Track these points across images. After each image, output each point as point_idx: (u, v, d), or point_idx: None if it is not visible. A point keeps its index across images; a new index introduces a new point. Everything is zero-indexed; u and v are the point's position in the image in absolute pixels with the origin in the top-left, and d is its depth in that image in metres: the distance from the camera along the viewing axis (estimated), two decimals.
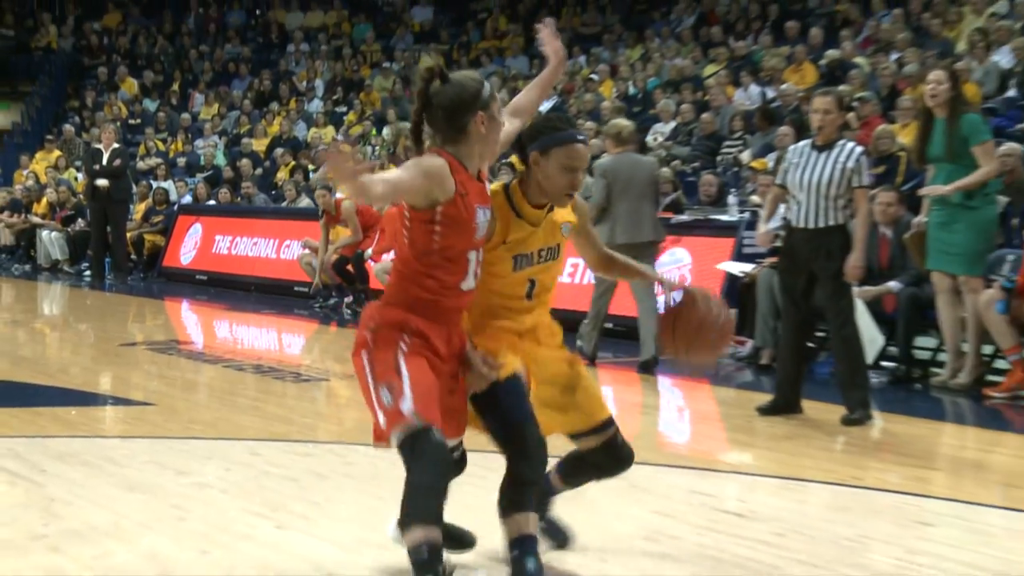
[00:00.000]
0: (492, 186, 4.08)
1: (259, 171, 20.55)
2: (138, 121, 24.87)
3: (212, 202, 19.29)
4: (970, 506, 5.66)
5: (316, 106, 23.49)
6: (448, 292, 3.87)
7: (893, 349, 9.49)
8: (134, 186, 20.11)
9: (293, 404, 8.57)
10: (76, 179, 21.88)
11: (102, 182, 18.01)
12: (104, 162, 18.10)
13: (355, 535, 4.96)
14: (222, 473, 6.12)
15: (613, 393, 9.29)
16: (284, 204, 18.12)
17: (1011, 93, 13.24)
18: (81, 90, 27.10)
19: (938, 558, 4.75)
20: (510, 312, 4.16)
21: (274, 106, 23.83)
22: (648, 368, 9.55)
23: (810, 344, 9.03)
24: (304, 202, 17.33)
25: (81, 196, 20.17)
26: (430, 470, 3.68)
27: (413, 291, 3.86)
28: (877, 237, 9.50)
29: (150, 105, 25.69)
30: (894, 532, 5.19)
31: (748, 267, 10.30)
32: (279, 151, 20.68)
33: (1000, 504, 5.84)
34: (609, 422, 4.34)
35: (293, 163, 20.07)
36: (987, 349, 8.91)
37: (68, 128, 24.71)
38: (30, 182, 22.60)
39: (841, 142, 7.65)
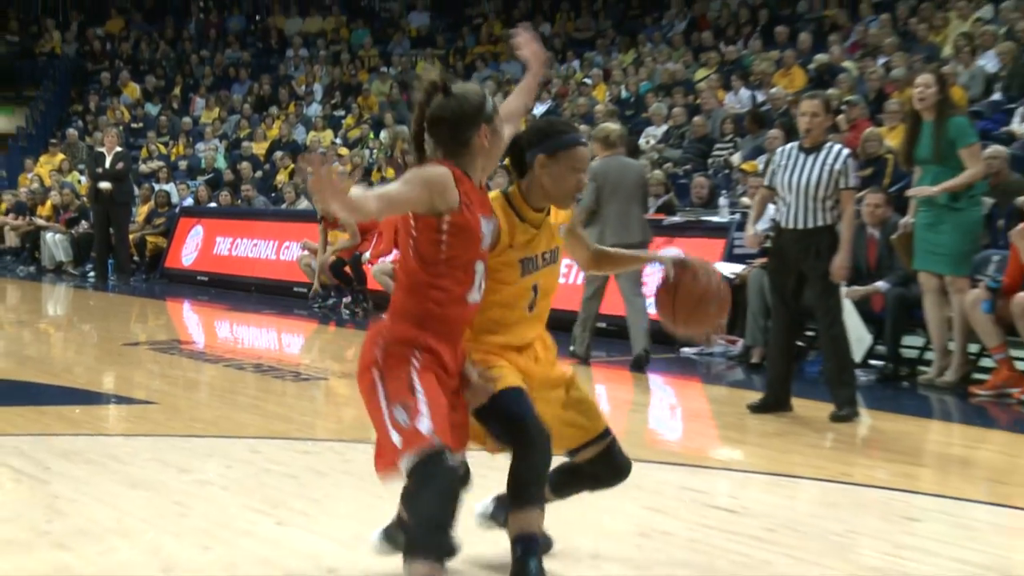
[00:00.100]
0: (491, 193, 4.02)
1: (259, 174, 20.54)
2: (140, 125, 24.85)
3: (213, 204, 19.28)
4: (956, 502, 5.66)
5: (315, 110, 23.48)
6: (455, 304, 3.77)
7: (881, 348, 9.49)
8: (136, 189, 20.09)
9: (293, 403, 8.56)
10: (80, 182, 21.85)
11: (105, 185, 17.99)
12: (107, 165, 18.09)
13: (353, 531, 4.95)
14: (223, 470, 6.12)
15: (606, 392, 9.30)
16: (283, 206, 18.11)
17: (996, 96, 13.26)
18: (84, 94, 27.08)
19: (925, 553, 4.76)
20: (510, 327, 4.08)
21: (273, 110, 23.81)
22: (640, 366, 9.55)
23: (799, 343, 9.04)
24: (303, 204, 17.31)
25: (85, 199, 20.14)
26: (440, 502, 3.53)
27: (421, 304, 3.75)
28: (865, 238, 9.51)
29: (152, 109, 25.67)
30: (882, 527, 5.19)
31: (739, 268, 10.30)
32: (279, 154, 20.68)
33: (986, 500, 5.86)
34: (606, 432, 4.26)
35: (292, 166, 20.04)
36: (973, 348, 8.91)
37: (72, 132, 24.68)
38: (35, 185, 22.59)
39: (828, 144, 7.66)
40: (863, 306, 9.39)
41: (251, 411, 8.10)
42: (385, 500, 5.21)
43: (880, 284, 9.32)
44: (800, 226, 7.59)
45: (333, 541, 4.84)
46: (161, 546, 4.74)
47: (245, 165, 20.38)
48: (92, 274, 18.99)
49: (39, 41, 29.29)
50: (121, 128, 22.36)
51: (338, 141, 21.30)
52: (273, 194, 19.34)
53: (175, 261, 18.64)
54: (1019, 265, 8.41)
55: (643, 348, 9.53)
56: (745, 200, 11.81)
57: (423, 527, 3.54)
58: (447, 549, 3.60)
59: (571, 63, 21.62)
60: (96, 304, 16.32)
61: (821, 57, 16.08)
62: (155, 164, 22.10)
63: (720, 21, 20.78)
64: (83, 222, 19.98)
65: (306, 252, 15.03)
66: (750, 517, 5.28)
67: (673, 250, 4.41)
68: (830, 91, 13.31)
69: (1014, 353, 8.50)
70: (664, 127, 16.29)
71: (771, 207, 8.30)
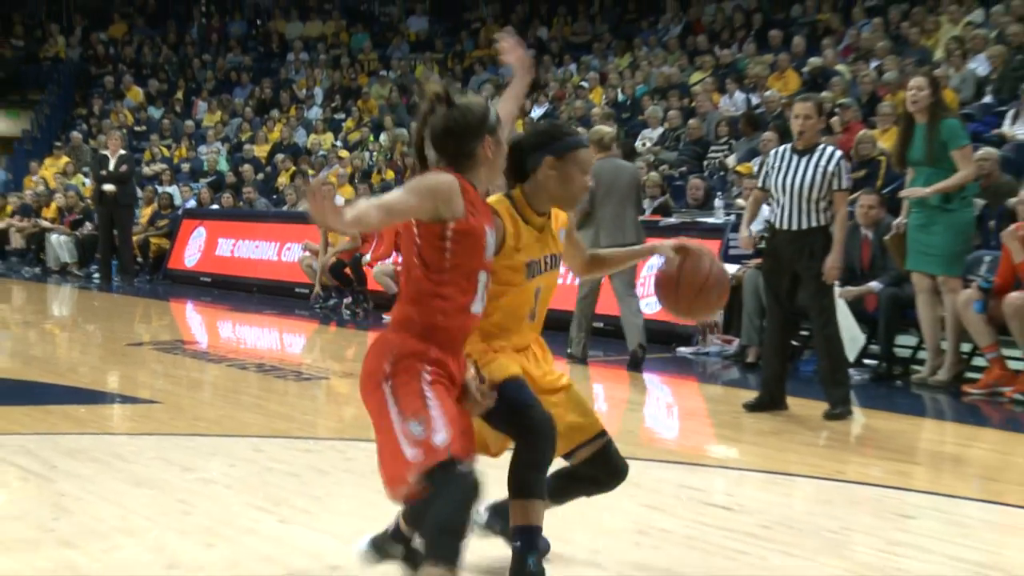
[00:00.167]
0: (492, 197, 3.97)
1: (260, 176, 20.54)
2: (143, 128, 24.84)
3: (215, 206, 19.26)
4: (949, 499, 5.67)
5: (315, 113, 23.48)
6: (458, 314, 3.70)
7: (875, 347, 9.50)
8: (140, 191, 20.08)
9: (294, 402, 8.56)
10: (84, 184, 21.84)
11: (109, 187, 17.98)
12: (111, 168, 18.08)
13: (355, 528, 4.93)
14: (226, 469, 6.11)
15: (604, 391, 9.30)
16: (285, 208, 18.12)
17: (987, 99, 13.26)
18: (88, 98, 27.06)
19: (918, 549, 4.76)
20: (512, 332, 4.05)
21: (275, 113, 23.82)
22: (636, 364, 9.54)
23: (794, 343, 9.04)
24: (304, 206, 17.27)
25: (89, 201, 20.14)
26: (455, 508, 3.47)
27: (425, 315, 3.67)
28: (859, 239, 9.51)
29: (155, 113, 25.66)
30: (876, 524, 5.20)
31: (734, 268, 10.30)
32: (280, 157, 20.70)
33: (978, 497, 5.85)
34: (602, 433, 4.19)
35: (293, 168, 20.06)
36: (965, 347, 8.92)
37: (76, 135, 24.66)
38: (40, 187, 22.59)
39: (821, 146, 7.66)
40: (857, 306, 9.39)
41: (254, 410, 8.10)
42: (385, 497, 5.22)
43: (873, 284, 9.32)
44: (794, 227, 7.59)
45: (335, 538, 4.83)
46: (165, 543, 4.74)
47: (247, 167, 20.40)
48: (96, 275, 18.99)
49: (44, 45, 29.27)
50: (124, 131, 22.38)
51: (338, 144, 21.30)
52: (274, 196, 19.35)
53: (178, 262, 18.63)
54: (1010, 265, 8.41)
55: (638, 344, 9.53)
56: (740, 201, 11.81)
57: (438, 533, 3.49)
58: (461, 556, 3.53)
59: (568, 66, 21.63)
60: (100, 305, 16.31)
61: (815, 61, 16.07)
62: (158, 167, 22.09)
63: (715, 25, 20.78)
64: (87, 224, 19.98)
65: (307, 253, 15.03)
66: (746, 514, 5.28)
67: (667, 242, 4.32)
68: (823, 94, 13.32)
69: (1006, 352, 8.50)
70: (660, 130, 16.30)
71: (765, 208, 8.32)
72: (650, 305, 11.02)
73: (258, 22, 29.73)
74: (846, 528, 5.10)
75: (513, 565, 3.95)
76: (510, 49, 4.37)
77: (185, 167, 22.31)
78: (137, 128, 24.78)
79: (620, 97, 18.70)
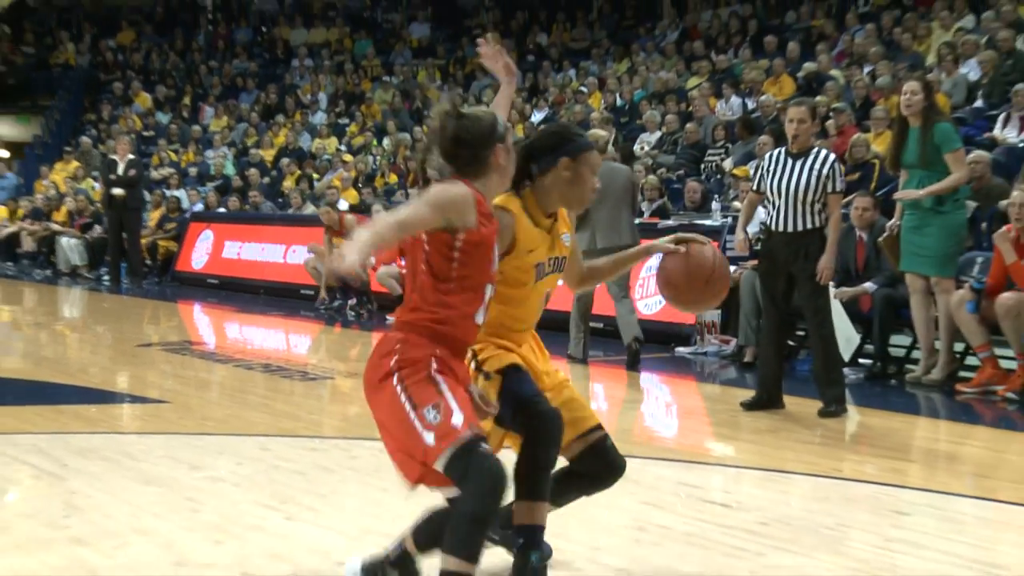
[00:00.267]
0: (500, 199, 3.90)
1: (266, 180, 20.53)
2: (152, 133, 24.85)
3: (222, 210, 19.26)
4: (943, 496, 5.66)
5: (320, 118, 23.48)
6: (463, 321, 3.65)
7: (869, 347, 9.49)
8: (148, 195, 20.08)
9: (300, 401, 8.55)
10: (93, 188, 21.84)
11: (118, 191, 17.97)
12: (120, 172, 18.06)
13: (360, 525, 4.95)
14: (234, 467, 6.10)
15: (604, 390, 9.30)
16: (290, 211, 18.11)
17: (978, 104, 13.26)
18: (97, 104, 27.07)
19: (913, 546, 4.75)
20: (514, 333, 4.01)
21: (280, 118, 23.82)
22: (634, 358, 9.53)
23: (790, 342, 9.03)
24: (309, 209, 17.31)
25: (98, 204, 20.13)
26: (483, 499, 3.41)
27: (430, 321, 3.62)
28: (854, 240, 9.50)
29: (163, 118, 25.67)
30: (871, 521, 5.19)
31: (731, 269, 10.29)
32: (285, 161, 20.70)
33: (972, 494, 5.84)
34: (597, 427, 4.13)
35: (298, 172, 20.06)
36: (958, 347, 8.92)
37: (85, 140, 24.66)
38: (50, 192, 22.60)
39: (815, 149, 7.66)
40: (852, 306, 9.38)
41: (260, 410, 8.09)
42: (390, 494, 5.23)
43: (868, 285, 9.31)
44: (789, 229, 7.59)
45: (340, 535, 4.83)
46: (174, 540, 4.74)
47: (253, 171, 20.40)
48: (106, 277, 18.98)
49: (54, 53, 29.29)
50: (133, 136, 22.36)
51: (342, 148, 21.31)
52: (280, 199, 19.34)
53: (186, 265, 18.64)
54: (1002, 266, 8.40)
55: (633, 338, 9.53)
56: (737, 204, 11.81)
57: (462, 523, 3.45)
58: (481, 550, 3.47)
59: (567, 72, 21.64)
60: (110, 306, 16.30)
61: (809, 66, 16.08)
62: (166, 171, 22.08)
63: (711, 31, 20.78)
64: (97, 227, 19.98)
65: (312, 255, 15.02)
66: (744, 511, 5.27)
67: (664, 240, 4.26)
68: (817, 98, 13.31)
69: (998, 352, 8.49)
70: (658, 134, 16.30)
71: (761, 210, 8.31)
72: (649, 306, 11.04)
73: (263, 29, 29.73)
74: (842, 524, 5.08)
75: (516, 562, 3.94)
76: (492, 57, 4.35)
77: (192, 171, 22.30)
78: (145, 133, 24.79)
79: (618, 102, 18.71)
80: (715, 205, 12.26)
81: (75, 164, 23.72)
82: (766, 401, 7.84)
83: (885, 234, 8.96)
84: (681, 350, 10.65)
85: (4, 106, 29.35)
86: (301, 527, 4.95)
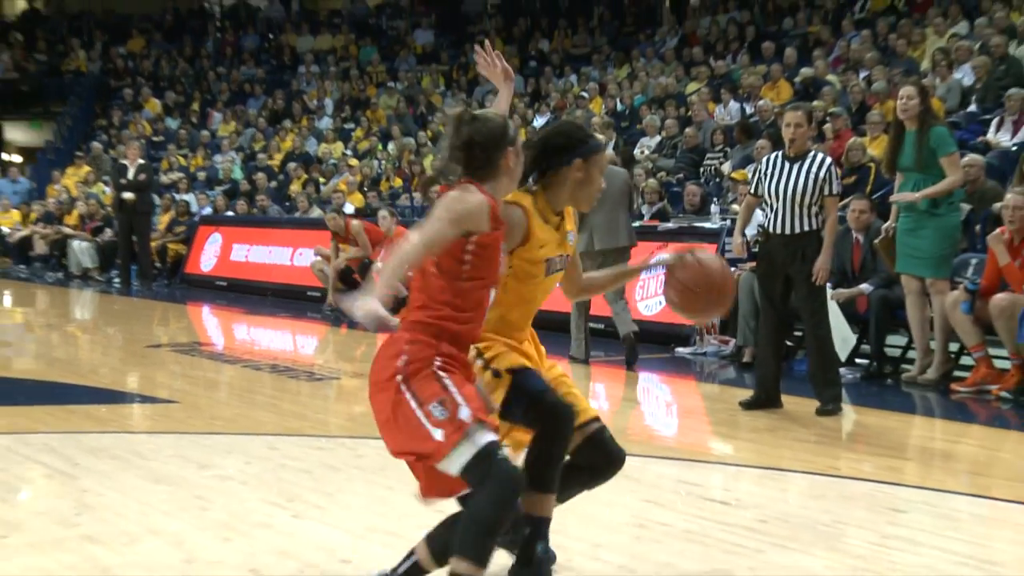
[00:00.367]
0: (511, 195, 3.87)
1: (273, 184, 20.55)
2: (161, 138, 24.86)
3: (230, 213, 19.27)
4: (939, 493, 5.66)
5: (326, 123, 23.48)
6: (470, 321, 3.64)
7: (866, 347, 9.48)
8: (158, 199, 20.08)
9: (307, 401, 8.55)
10: (104, 193, 21.85)
11: (128, 195, 17.99)
12: (130, 177, 18.08)
13: (365, 523, 4.94)
14: (242, 466, 6.10)
15: (605, 390, 9.29)
16: (297, 215, 18.11)
17: (972, 108, 13.25)
18: (108, 110, 27.08)
19: (909, 542, 4.74)
20: (514, 331, 4.00)
21: (287, 123, 23.82)
22: (632, 353, 9.53)
23: (788, 343, 9.02)
24: (316, 212, 17.31)
25: (109, 208, 20.13)
26: (496, 506, 3.39)
27: (437, 320, 3.60)
28: (850, 242, 9.49)
29: (172, 123, 25.68)
30: (868, 518, 5.18)
31: (730, 271, 10.28)
32: (292, 165, 20.70)
33: (966, 491, 5.83)
34: (595, 419, 4.10)
35: (305, 176, 20.06)
36: (953, 347, 8.90)
37: (96, 145, 24.68)
38: (62, 196, 22.61)
39: (812, 153, 7.66)
40: (848, 307, 9.37)
41: (268, 409, 8.09)
42: (395, 492, 5.23)
43: (864, 286, 9.30)
44: (787, 231, 7.58)
45: (346, 532, 4.82)
46: (184, 538, 4.73)
47: (260, 176, 20.41)
48: (116, 280, 18.99)
49: (65, 60, 29.31)
50: (143, 141, 22.39)
51: (348, 152, 21.30)
52: (287, 203, 19.34)
53: (195, 267, 18.64)
54: (996, 268, 8.39)
55: (629, 330, 9.53)
56: (735, 207, 11.80)
57: (473, 528, 3.43)
58: (491, 555, 3.46)
59: (568, 77, 21.64)
60: (120, 308, 16.31)
61: (806, 71, 16.08)
62: (175, 175, 22.09)
63: (710, 37, 20.78)
64: (108, 230, 19.98)
65: (319, 258, 15.02)
66: (743, 509, 5.26)
67: (662, 254, 4.22)
68: (814, 103, 13.31)
69: (992, 352, 8.49)
70: (657, 138, 16.30)
71: (759, 213, 8.30)
72: (649, 307, 11.03)
73: (270, 36, 29.73)
74: (839, 522, 5.08)
75: (521, 551, 3.92)
76: (488, 65, 4.34)
77: (201, 175, 22.30)
78: (155, 138, 24.79)
79: (619, 107, 18.71)
80: (714, 208, 12.26)
81: (86, 169, 23.73)
82: (764, 400, 7.83)
83: (881, 236, 8.96)
84: (681, 350, 10.65)
85: (17, 112, 29.42)
86: (308, 525, 4.94)
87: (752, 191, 7.94)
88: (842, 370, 8.38)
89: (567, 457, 4.09)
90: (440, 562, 3.68)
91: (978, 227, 9.53)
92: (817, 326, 7.70)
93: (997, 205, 9.09)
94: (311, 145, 22.16)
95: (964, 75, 13.90)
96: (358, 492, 5.54)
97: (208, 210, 19.95)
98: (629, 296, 10.40)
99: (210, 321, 15.27)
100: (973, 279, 8.72)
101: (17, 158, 29.55)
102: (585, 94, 19.61)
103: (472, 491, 3.45)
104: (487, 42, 4.50)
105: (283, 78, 27.03)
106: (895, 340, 9.51)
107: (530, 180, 4.01)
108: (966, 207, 9.34)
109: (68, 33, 30.29)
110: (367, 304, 3.29)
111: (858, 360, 9.53)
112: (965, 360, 8.91)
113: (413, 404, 3.49)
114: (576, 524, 4.71)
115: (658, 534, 4.83)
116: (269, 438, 6.84)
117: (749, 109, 15.97)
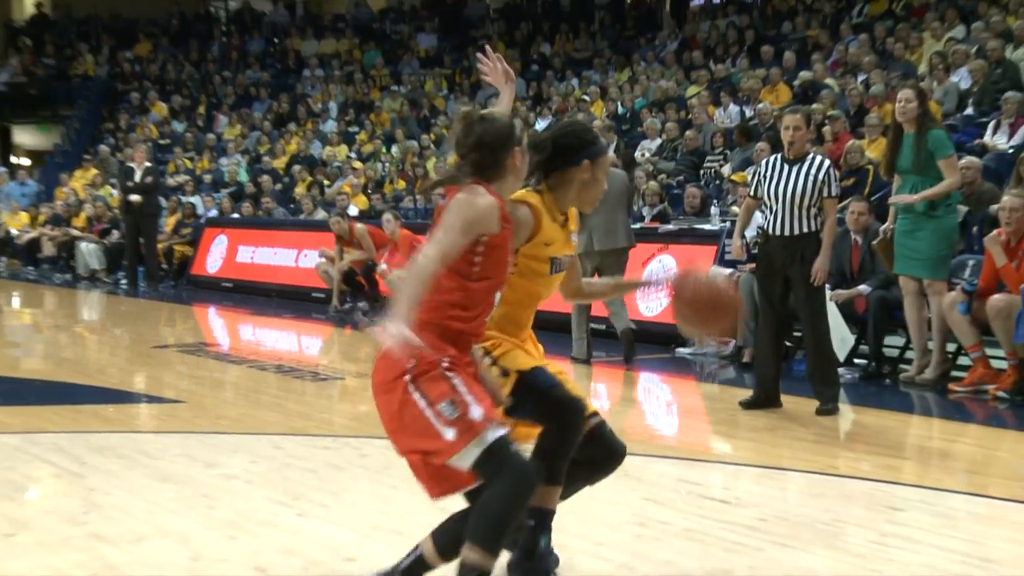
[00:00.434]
0: (519, 193, 3.87)
1: (279, 186, 20.54)
2: (167, 141, 24.85)
3: (236, 215, 19.27)
4: (936, 492, 5.65)
5: (330, 126, 23.47)
6: (477, 320, 3.63)
7: (864, 347, 9.47)
8: (164, 201, 20.09)
9: (312, 401, 8.55)
10: (111, 195, 21.84)
11: (135, 197, 17.99)
12: (137, 179, 18.08)
13: (370, 522, 4.95)
14: (247, 465, 6.10)
15: (606, 390, 9.29)
16: (302, 216, 18.11)
17: (969, 111, 13.25)
18: (115, 113, 27.08)
19: (908, 541, 4.74)
20: (517, 330, 3.99)
21: (292, 126, 23.82)
22: (631, 349, 9.52)
23: (787, 343, 9.02)
24: (320, 215, 17.32)
25: (116, 211, 20.15)
26: (509, 501, 3.39)
27: (444, 320, 3.57)
28: (849, 244, 9.48)
29: (178, 127, 25.68)
30: (867, 516, 5.17)
31: (729, 271, 10.28)
32: (297, 168, 20.71)
33: (964, 490, 5.84)
34: (594, 414, 4.07)
35: (310, 179, 20.06)
36: (951, 347, 8.90)
37: (104, 148, 24.68)
38: (70, 198, 22.61)
39: (810, 156, 7.65)
40: (847, 308, 9.36)
41: (273, 409, 8.09)
42: (399, 491, 5.22)
43: (863, 287, 9.29)
44: (786, 233, 7.58)
45: (351, 531, 4.83)
46: (190, 536, 4.74)
47: (266, 178, 20.39)
48: (123, 281, 18.99)
49: (73, 64, 29.30)
50: (150, 144, 22.39)
51: (352, 155, 21.30)
52: (292, 205, 19.34)
53: (201, 269, 18.64)
54: (993, 269, 8.39)
55: (627, 326, 9.54)
56: (735, 209, 11.79)
57: (486, 522, 3.42)
58: (502, 546, 3.46)
59: (570, 81, 21.63)
60: (127, 309, 16.32)
61: (805, 75, 16.06)
62: (181, 178, 22.10)
63: (710, 41, 20.77)
64: (115, 232, 19.98)
65: (323, 260, 15.02)
66: (743, 507, 5.26)
67: (659, 270, 4.24)
68: (813, 106, 13.30)
69: (989, 352, 8.48)
70: (658, 141, 16.29)
71: (758, 215, 8.29)
72: (649, 307, 11.02)
73: (275, 40, 29.73)
74: (838, 520, 5.07)
75: (525, 543, 3.92)
76: (490, 70, 4.33)
77: (207, 178, 22.30)
78: (161, 141, 24.79)
79: (620, 110, 18.69)
80: (714, 210, 12.25)
81: (94, 171, 23.72)
82: (764, 400, 7.82)
83: (879, 238, 8.95)
84: (681, 351, 10.64)
85: (26, 116, 29.43)
86: (312, 523, 4.95)
87: (751, 193, 7.93)
88: (841, 370, 8.38)
89: None
90: (445, 557, 3.66)
91: (975, 229, 9.52)
92: (816, 327, 7.69)
93: (994, 207, 9.08)
94: (316, 148, 22.16)
95: (961, 78, 13.89)
96: (362, 491, 5.54)
97: (214, 212, 19.96)
98: (630, 296, 10.36)
99: (216, 322, 15.28)
100: (970, 280, 8.71)
101: (26, 161, 29.56)
102: (586, 97, 19.60)
103: (485, 484, 3.43)
104: (488, 48, 4.48)
105: (288, 82, 27.03)
106: (893, 340, 9.51)
107: (532, 180, 4.01)
108: (963, 209, 9.33)
109: (76, 38, 30.28)
110: (395, 329, 3.23)
111: (856, 360, 9.52)
112: (962, 360, 8.90)
113: (422, 404, 3.46)
114: (577, 523, 4.70)
115: (658, 532, 4.83)
116: (274, 437, 6.85)
117: (749, 112, 15.95)
